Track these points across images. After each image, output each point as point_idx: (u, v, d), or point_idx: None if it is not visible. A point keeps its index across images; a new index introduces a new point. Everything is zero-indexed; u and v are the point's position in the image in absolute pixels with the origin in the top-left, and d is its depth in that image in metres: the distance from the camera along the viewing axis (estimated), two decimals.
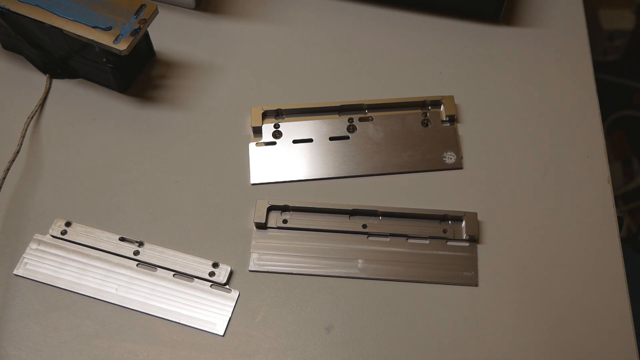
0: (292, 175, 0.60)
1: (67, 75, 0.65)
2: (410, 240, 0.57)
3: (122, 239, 0.56)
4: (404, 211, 0.57)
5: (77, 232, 0.57)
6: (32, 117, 0.61)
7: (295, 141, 0.62)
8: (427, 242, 0.56)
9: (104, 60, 0.61)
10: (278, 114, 0.63)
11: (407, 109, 0.63)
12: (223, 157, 0.61)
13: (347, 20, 0.69)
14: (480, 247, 0.56)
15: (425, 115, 0.63)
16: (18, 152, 0.58)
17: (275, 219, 0.57)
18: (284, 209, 0.57)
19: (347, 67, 0.66)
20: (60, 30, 0.59)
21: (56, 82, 0.65)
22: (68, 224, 0.57)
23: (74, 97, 0.64)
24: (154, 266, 0.55)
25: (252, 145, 0.61)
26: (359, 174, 0.60)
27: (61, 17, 0.59)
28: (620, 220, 0.59)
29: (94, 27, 0.59)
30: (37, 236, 0.56)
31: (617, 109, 1.28)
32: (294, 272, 0.55)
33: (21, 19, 0.60)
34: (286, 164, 0.60)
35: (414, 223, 0.57)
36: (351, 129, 0.62)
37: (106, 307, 0.54)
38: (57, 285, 0.54)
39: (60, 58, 0.63)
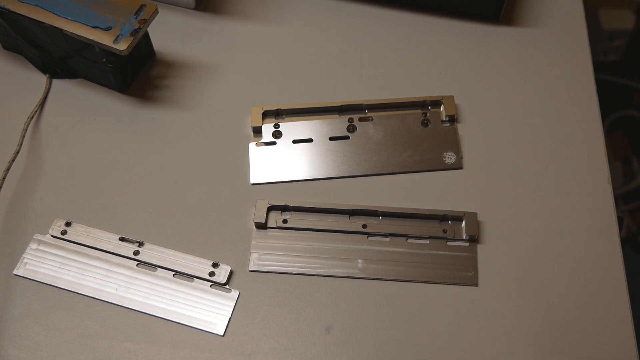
0: (292, 175, 0.60)
1: (67, 75, 0.65)
2: (410, 240, 0.57)
3: (122, 239, 0.56)
4: (404, 211, 0.57)
5: (77, 232, 0.57)
6: (32, 117, 0.61)
7: (295, 141, 0.62)
8: (427, 242, 0.56)
9: (104, 60, 0.61)
10: (278, 114, 0.63)
11: (407, 109, 0.63)
12: (223, 157, 0.61)
13: (347, 20, 0.69)
14: (480, 247, 0.56)
15: (425, 115, 0.63)
16: (18, 152, 0.58)
17: (275, 219, 0.57)
18: (284, 209, 0.57)
19: (347, 67, 0.66)
20: (60, 30, 0.59)
21: (56, 82, 0.65)
22: (68, 224, 0.57)
23: (74, 97, 0.64)
24: (154, 266, 0.55)
25: (252, 145, 0.61)
26: (359, 174, 0.60)
27: (61, 17, 0.59)
28: (620, 220, 0.59)
29: (94, 27, 0.59)
30: (37, 236, 0.56)
31: (617, 109, 1.28)
32: (294, 272, 0.55)
33: (21, 19, 0.60)
34: (286, 164, 0.60)
35: (414, 223, 0.57)
36: (351, 129, 0.62)
37: (106, 307, 0.54)
38: (57, 285, 0.54)
39: (60, 58, 0.63)
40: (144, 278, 0.55)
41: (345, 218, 0.57)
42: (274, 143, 0.61)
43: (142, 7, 0.60)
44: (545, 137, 0.62)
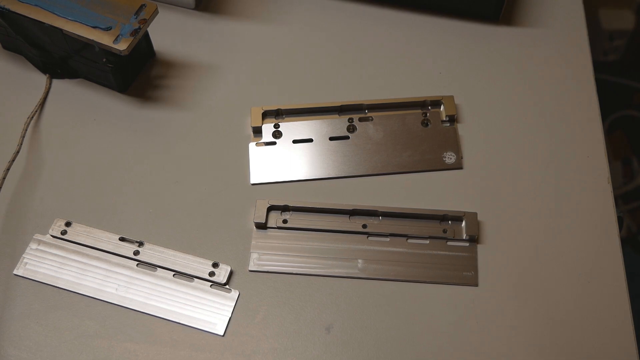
0: (292, 175, 0.60)
1: (67, 75, 0.65)
2: (410, 240, 0.57)
3: (122, 239, 0.56)
4: (404, 211, 0.57)
5: (77, 232, 0.57)
6: (32, 117, 0.61)
7: (295, 141, 0.62)
8: (427, 242, 0.56)
9: (104, 60, 0.61)
10: (278, 114, 0.63)
11: (407, 109, 0.63)
12: (223, 157, 0.61)
13: (347, 20, 0.69)
14: (480, 247, 0.56)
15: (425, 115, 0.63)
16: (18, 152, 0.58)
17: (275, 219, 0.57)
18: (284, 209, 0.57)
19: (347, 67, 0.66)
20: (60, 30, 0.59)
21: (56, 82, 0.65)
22: (68, 224, 0.57)
23: (74, 97, 0.64)
24: (154, 266, 0.55)
25: (252, 145, 0.61)
26: (359, 174, 0.60)
27: (61, 17, 0.59)
28: (620, 220, 0.59)
29: (94, 27, 0.59)
30: (37, 236, 0.56)
31: (617, 109, 1.28)
32: (294, 272, 0.55)
33: (21, 19, 0.60)
34: (286, 164, 0.60)
35: (414, 223, 0.57)
36: (351, 129, 0.62)
37: (106, 307, 0.54)
38: (57, 285, 0.54)
39: (60, 58, 0.63)
40: (144, 278, 0.55)
41: (345, 218, 0.57)
42: (274, 143, 0.61)
43: (142, 7, 0.60)
44: (545, 137, 0.62)
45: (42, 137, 0.62)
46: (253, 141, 0.62)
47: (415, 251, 0.56)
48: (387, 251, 0.56)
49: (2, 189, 0.56)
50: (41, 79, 0.65)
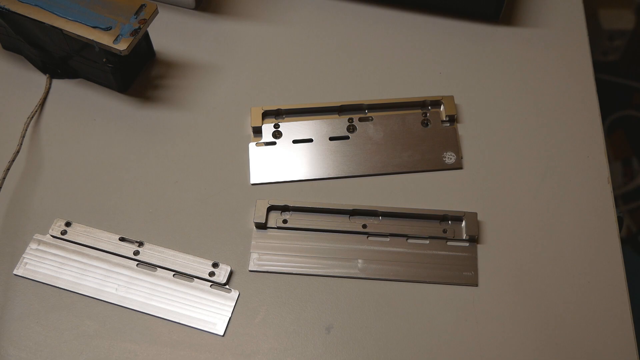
0: (292, 175, 0.60)
1: (67, 75, 0.65)
2: (410, 240, 0.57)
3: (122, 239, 0.56)
4: (404, 211, 0.57)
5: (77, 232, 0.57)
6: (32, 117, 0.61)
7: (295, 141, 0.62)
8: (427, 242, 0.56)
9: (104, 60, 0.61)
10: (278, 114, 0.63)
11: (407, 109, 0.63)
12: (223, 157, 0.61)
13: (347, 20, 0.69)
14: (480, 247, 0.56)
15: (425, 115, 0.63)
16: (18, 152, 0.58)
17: (275, 219, 0.57)
18: (284, 209, 0.57)
19: (347, 67, 0.66)
20: (60, 30, 0.59)
21: (56, 82, 0.65)
22: (68, 224, 0.57)
23: (74, 97, 0.64)
24: (154, 266, 0.55)
25: (252, 145, 0.61)
26: (359, 174, 0.60)
27: (61, 17, 0.59)
28: (620, 220, 0.59)
29: (94, 27, 0.59)
30: (37, 236, 0.56)
31: (617, 109, 1.29)
32: (294, 272, 0.55)
33: (21, 19, 0.60)
34: (286, 164, 0.60)
35: (413, 223, 0.57)
36: (351, 129, 0.62)
37: (106, 307, 0.54)
38: (57, 285, 0.54)
39: (60, 58, 0.63)
40: (144, 278, 0.55)
41: (345, 218, 0.57)
42: (274, 143, 0.61)
43: (142, 7, 0.60)
44: (545, 137, 0.62)
45: (42, 137, 0.62)
46: (253, 141, 0.62)
47: (415, 251, 0.56)
48: (387, 251, 0.56)
49: (2, 189, 0.56)
50: (41, 79, 0.65)
